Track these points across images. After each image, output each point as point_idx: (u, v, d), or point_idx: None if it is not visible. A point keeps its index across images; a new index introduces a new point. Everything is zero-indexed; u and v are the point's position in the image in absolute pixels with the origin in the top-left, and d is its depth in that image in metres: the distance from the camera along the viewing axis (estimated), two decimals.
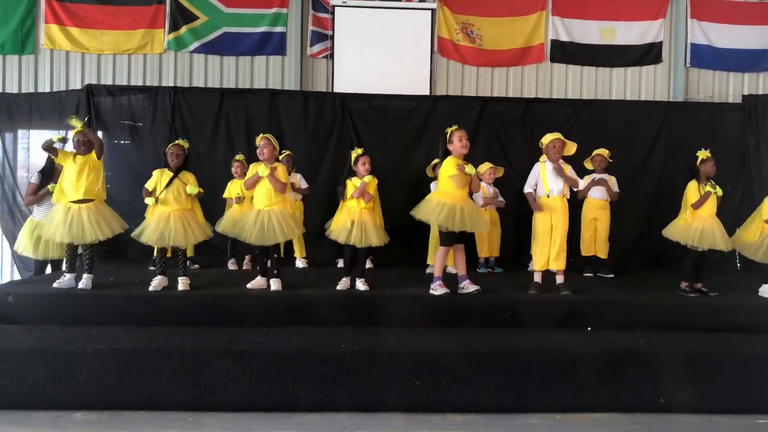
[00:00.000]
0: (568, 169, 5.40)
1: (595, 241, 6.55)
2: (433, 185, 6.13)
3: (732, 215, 7.02)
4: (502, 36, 8.11)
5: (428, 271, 6.17)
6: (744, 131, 7.74)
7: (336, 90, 7.78)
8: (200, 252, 6.64)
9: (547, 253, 5.30)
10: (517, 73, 8.18)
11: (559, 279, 5.30)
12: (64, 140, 5.17)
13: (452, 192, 5.02)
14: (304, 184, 6.77)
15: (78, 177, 5.02)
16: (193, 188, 5.19)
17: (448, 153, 5.10)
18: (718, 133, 7.62)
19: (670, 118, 7.68)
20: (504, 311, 4.91)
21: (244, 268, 6.59)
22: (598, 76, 8.23)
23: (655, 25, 8.24)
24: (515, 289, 5.42)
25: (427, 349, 4.14)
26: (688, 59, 8.20)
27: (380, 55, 7.86)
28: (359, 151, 5.45)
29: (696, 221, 5.38)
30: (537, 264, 5.37)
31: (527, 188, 5.45)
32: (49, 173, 5.87)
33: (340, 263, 6.57)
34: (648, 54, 8.24)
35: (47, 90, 7.75)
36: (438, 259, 5.18)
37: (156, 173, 5.23)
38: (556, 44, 8.18)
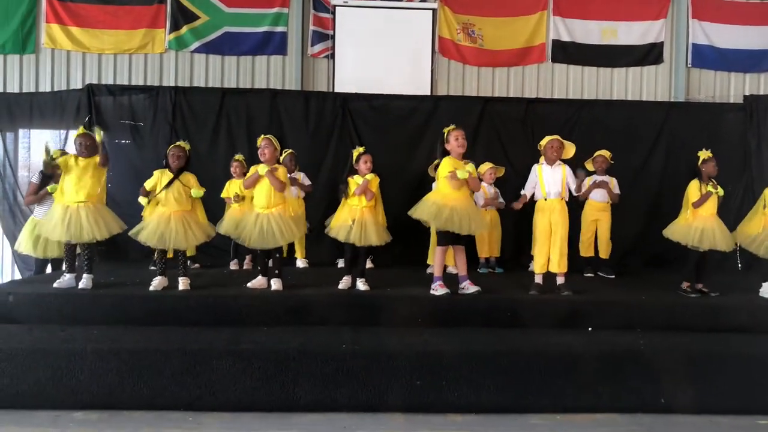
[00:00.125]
0: (567, 171, 5.40)
1: (597, 242, 6.55)
2: (434, 185, 6.12)
3: (733, 215, 6.98)
4: (503, 36, 8.10)
5: (429, 271, 6.16)
6: (745, 132, 7.73)
7: (337, 90, 7.78)
8: (201, 252, 6.63)
9: (545, 254, 5.30)
10: (518, 73, 8.18)
11: (560, 279, 5.30)
12: (48, 151, 5.13)
13: (449, 192, 5.02)
14: (307, 182, 6.77)
15: (79, 180, 5.03)
16: (198, 192, 5.20)
17: (446, 153, 5.11)
18: (720, 133, 7.61)
19: (672, 118, 7.68)
20: (505, 311, 4.90)
21: (244, 267, 6.60)
22: (599, 76, 8.22)
23: (656, 25, 8.23)
24: (516, 290, 5.42)
25: (428, 349, 4.14)
26: (690, 59, 8.19)
27: (381, 55, 7.86)
28: (361, 149, 5.44)
29: (696, 221, 5.37)
30: (537, 265, 5.37)
31: (524, 191, 5.48)
32: (50, 173, 5.87)
33: (341, 263, 6.58)
34: (649, 54, 8.23)
35: (48, 90, 7.76)
36: (437, 259, 5.18)
37: (156, 173, 5.23)
38: (557, 44, 8.17)
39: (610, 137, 7.27)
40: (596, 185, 6.46)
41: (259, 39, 7.95)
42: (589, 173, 6.64)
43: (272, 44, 7.97)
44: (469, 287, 5.05)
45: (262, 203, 5.14)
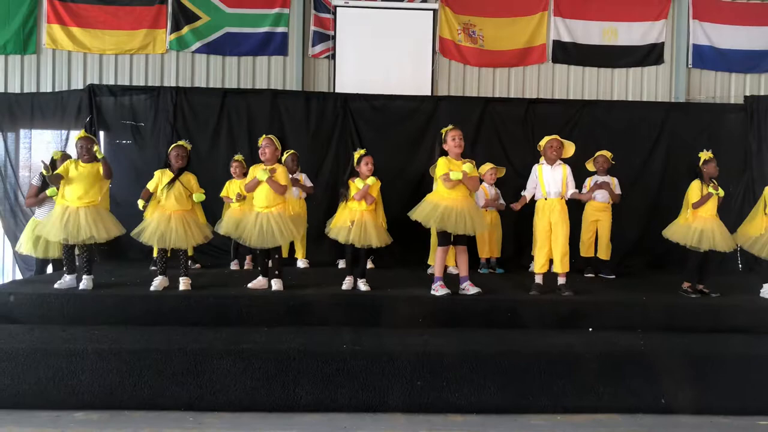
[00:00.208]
0: (568, 171, 5.40)
1: (597, 243, 6.55)
2: (434, 186, 6.13)
3: (734, 216, 6.98)
4: (503, 36, 8.11)
5: (429, 271, 6.17)
6: (746, 132, 7.74)
7: (337, 90, 7.78)
8: (202, 252, 6.65)
9: (545, 254, 5.30)
10: (519, 74, 8.18)
11: (561, 280, 5.29)
12: (48, 168, 5.15)
13: (447, 193, 5.02)
14: (308, 183, 6.77)
15: (80, 187, 5.03)
16: (200, 196, 5.22)
17: (444, 153, 5.11)
18: (720, 134, 7.62)
19: (672, 118, 7.68)
20: (505, 312, 4.90)
21: (245, 268, 6.60)
22: (599, 76, 8.22)
23: (656, 25, 8.23)
24: (516, 290, 5.42)
25: (428, 350, 4.14)
26: (690, 60, 8.19)
27: (382, 56, 7.86)
28: (362, 151, 5.45)
29: (696, 221, 5.37)
30: (537, 266, 5.37)
31: (524, 192, 5.50)
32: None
33: (341, 264, 6.59)
34: (650, 55, 8.23)
35: (49, 90, 7.77)
36: (437, 259, 5.18)
37: (157, 174, 5.23)
38: (558, 45, 8.17)
39: (611, 138, 7.28)
40: (598, 186, 6.47)
41: (260, 39, 7.96)
42: (590, 173, 6.66)
43: (273, 45, 7.98)
44: (469, 288, 5.05)
45: (262, 203, 5.14)
